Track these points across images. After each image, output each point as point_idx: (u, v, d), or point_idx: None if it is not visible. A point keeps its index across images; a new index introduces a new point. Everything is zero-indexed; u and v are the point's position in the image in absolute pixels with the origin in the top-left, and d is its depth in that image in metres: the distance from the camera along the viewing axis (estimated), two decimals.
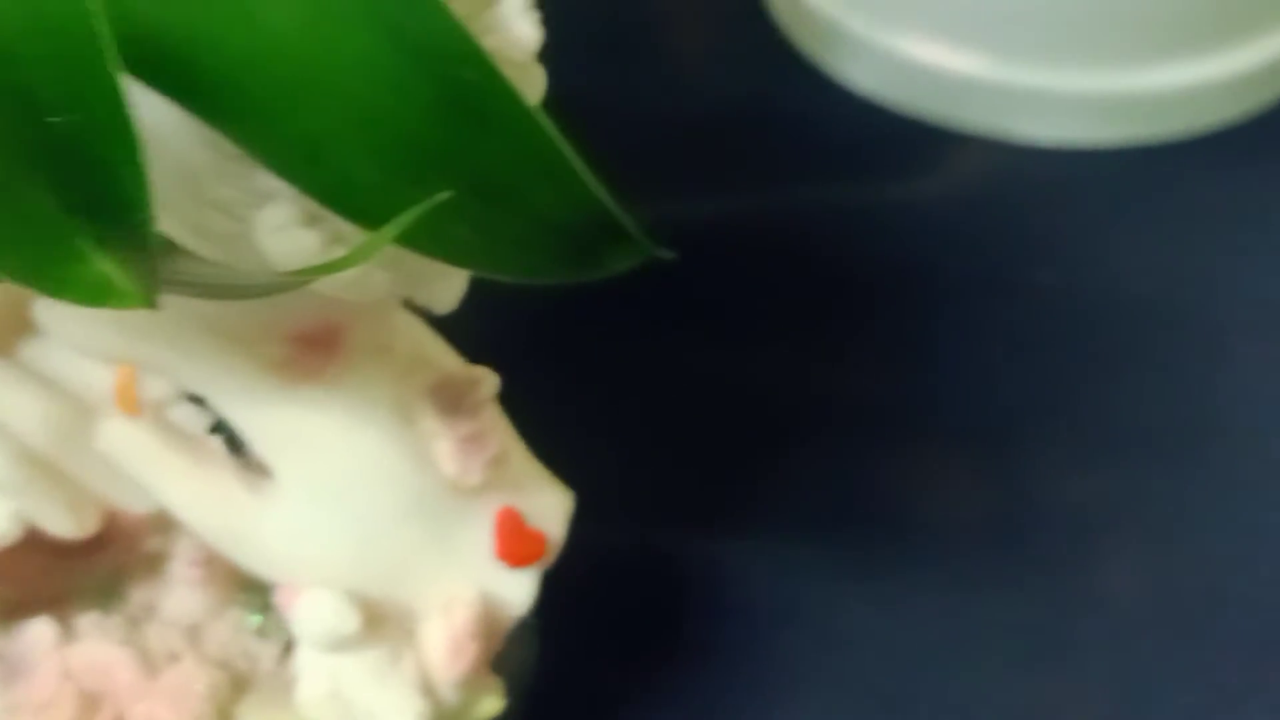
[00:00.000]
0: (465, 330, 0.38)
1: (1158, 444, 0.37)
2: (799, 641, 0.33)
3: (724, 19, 0.49)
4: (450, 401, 0.26)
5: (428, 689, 0.26)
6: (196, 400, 0.27)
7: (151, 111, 0.20)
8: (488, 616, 0.26)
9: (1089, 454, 0.36)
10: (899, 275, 0.41)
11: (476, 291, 0.26)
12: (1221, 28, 0.43)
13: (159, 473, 0.26)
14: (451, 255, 0.24)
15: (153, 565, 0.29)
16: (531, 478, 0.28)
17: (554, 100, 0.45)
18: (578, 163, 0.24)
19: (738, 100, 0.46)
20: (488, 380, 0.27)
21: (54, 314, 0.25)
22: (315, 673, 0.27)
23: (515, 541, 0.27)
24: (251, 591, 0.28)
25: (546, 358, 0.38)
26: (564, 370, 0.38)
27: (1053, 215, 0.42)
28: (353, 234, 0.23)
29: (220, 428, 0.27)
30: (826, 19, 0.46)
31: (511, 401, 0.36)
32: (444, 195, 0.23)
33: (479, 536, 0.27)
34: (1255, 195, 0.42)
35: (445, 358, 0.27)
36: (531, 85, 0.25)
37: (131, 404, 0.26)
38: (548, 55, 0.51)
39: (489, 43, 0.24)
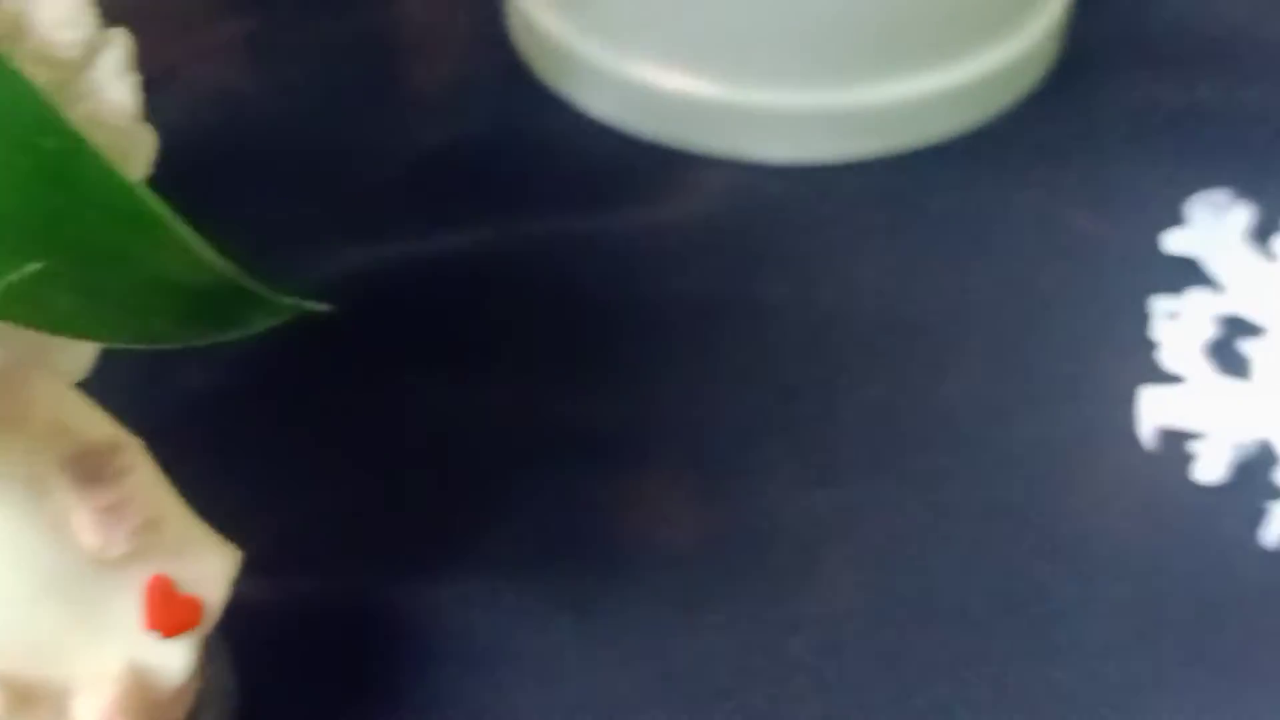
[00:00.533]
0: (175, 378, 0.38)
1: (882, 458, 0.37)
2: (513, 681, 0.32)
3: (464, 46, 0.49)
4: (89, 471, 0.26)
5: None
6: None
7: None
8: (141, 689, 0.26)
9: (815, 472, 0.37)
10: (637, 300, 0.41)
11: None
12: (945, 42, 0.44)
13: None
14: (57, 325, 0.24)
15: None
16: (190, 541, 0.27)
17: (274, 137, 0.46)
18: (182, 227, 0.24)
19: (477, 129, 0.46)
20: (129, 447, 0.26)
21: None
22: None
23: (165, 611, 0.26)
24: None
25: (268, 402, 0.38)
26: (284, 413, 0.38)
27: (787, 233, 0.43)
28: None
29: None
30: (561, 45, 0.46)
31: (219, 449, 0.36)
32: (34, 267, 0.23)
33: (129, 607, 0.26)
34: (982, 205, 0.43)
35: (92, 425, 0.27)
36: (137, 148, 0.25)
37: None
38: (270, 89, 0.51)
39: (82, 109, 0.23)
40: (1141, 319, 0.40)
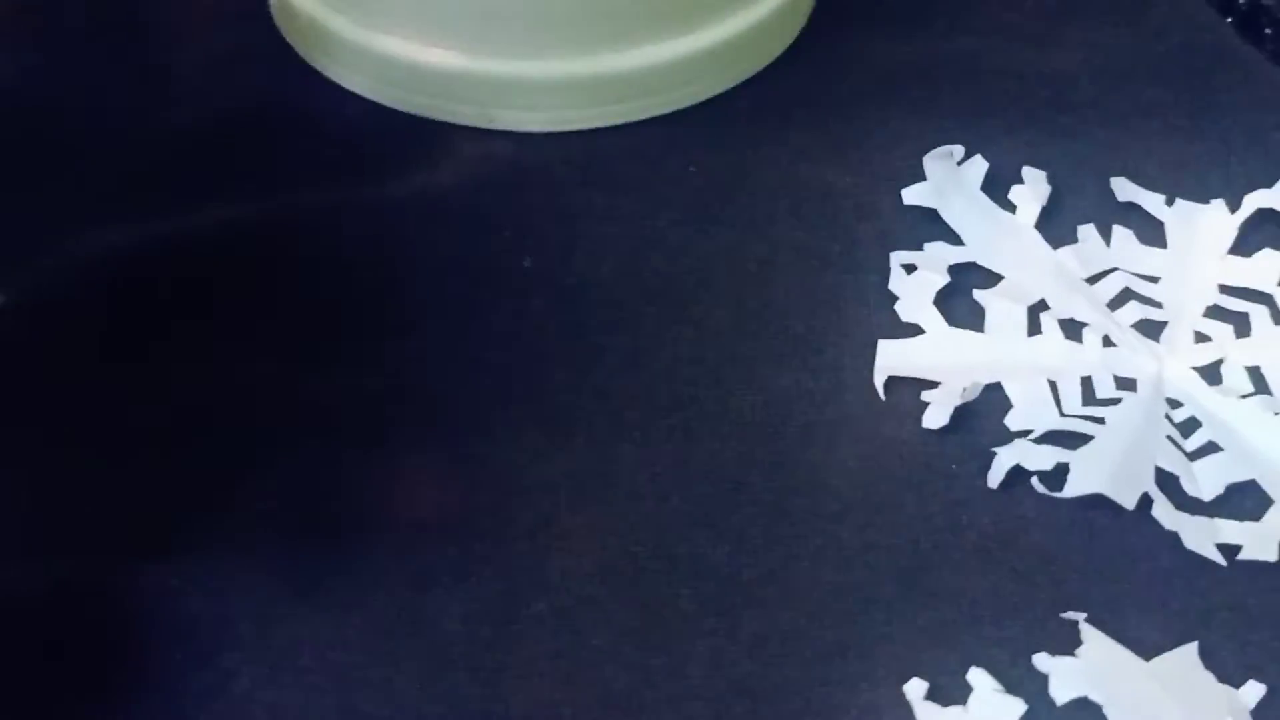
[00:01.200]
0: None
1: (626, 420, 0.38)
2: (236, 665, 0.32)
3: (225, 24, 0.48)
4: None
5: None
6: None
7: None
8: None
9: (559, 438, 0.37)
10: (394, 272, 0.41)
11: None
12: (693, 6, 0.44)
13: None
14: None
15: None
16: None
17: (27, 119, 0.45)
18: None
19: (236, 106, 0.45)
20: None
21: None
22: None
23: None
24: None
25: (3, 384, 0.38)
26: (19, 396, 0.37)
27: (541, 200, 0.43)
28: None
29: None
30: (315, 22, 0.45)
31: None
32: None
33: None
34: (732, 165, 0.44)
35: None
36: None
37: None
38: (23, 71, 0.50)
39: None
40: (884, 272, 0.41)
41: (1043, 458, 0.36)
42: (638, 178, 0.44)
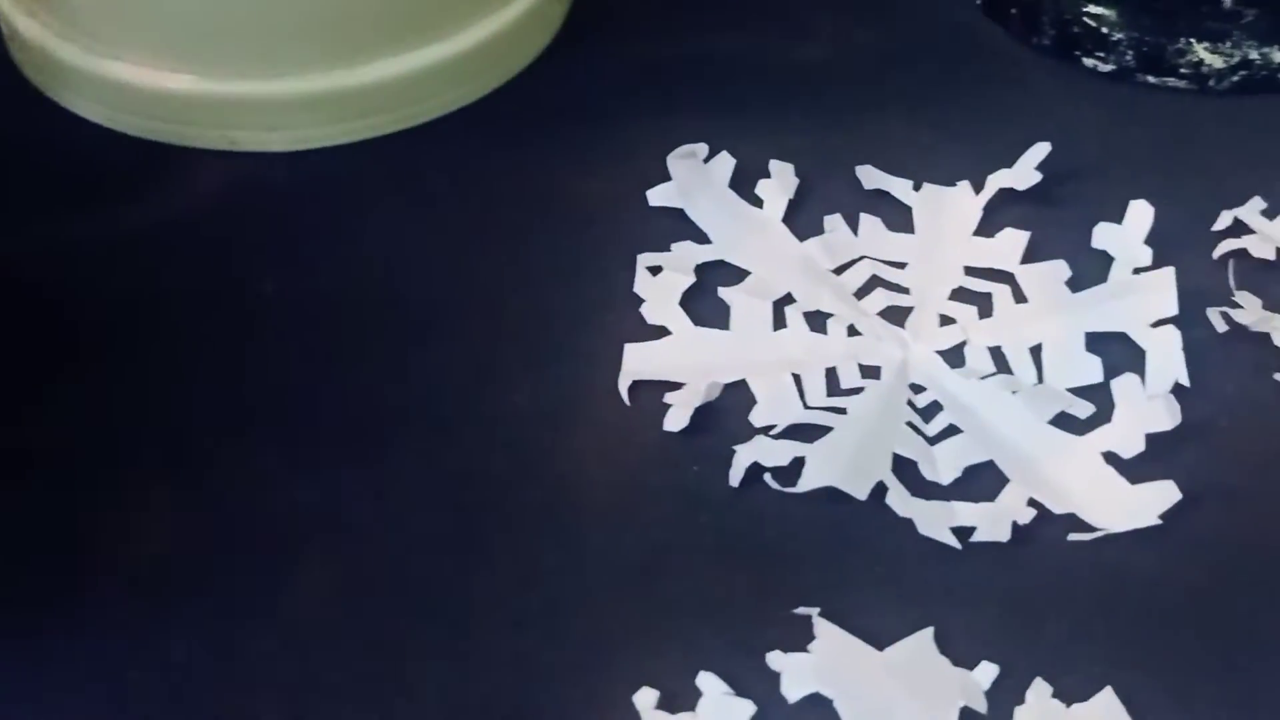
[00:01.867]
0: None
1: (370, 442, 0.37)
2: None
3: None
4: None
5: None
6: None
7: None
8: None
9: (299, 465, 0.36)
10: (131, 301, 0.40)
11: None
12: (437, 16, 0.44)
13: None
14: None
15: None
16: None
17: None
18: None
19: None
20: None
21: None
22: None
23: None
24: None
25: None
26: None
27: (287, 221, 0.42)
28: None
29: None
30: (46, 50, 0.44)
31: None
32: None
33: None
34: (483, 174, 0.43)
35: None
36: None
37: None
38: None
39: None
40: (633, 276, 0.40)
41: (780, 453, 0.35)
42: (386, 193, 0.43)
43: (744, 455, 0.36)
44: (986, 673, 0.32)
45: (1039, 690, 0.31)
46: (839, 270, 0.41)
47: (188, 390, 0.38)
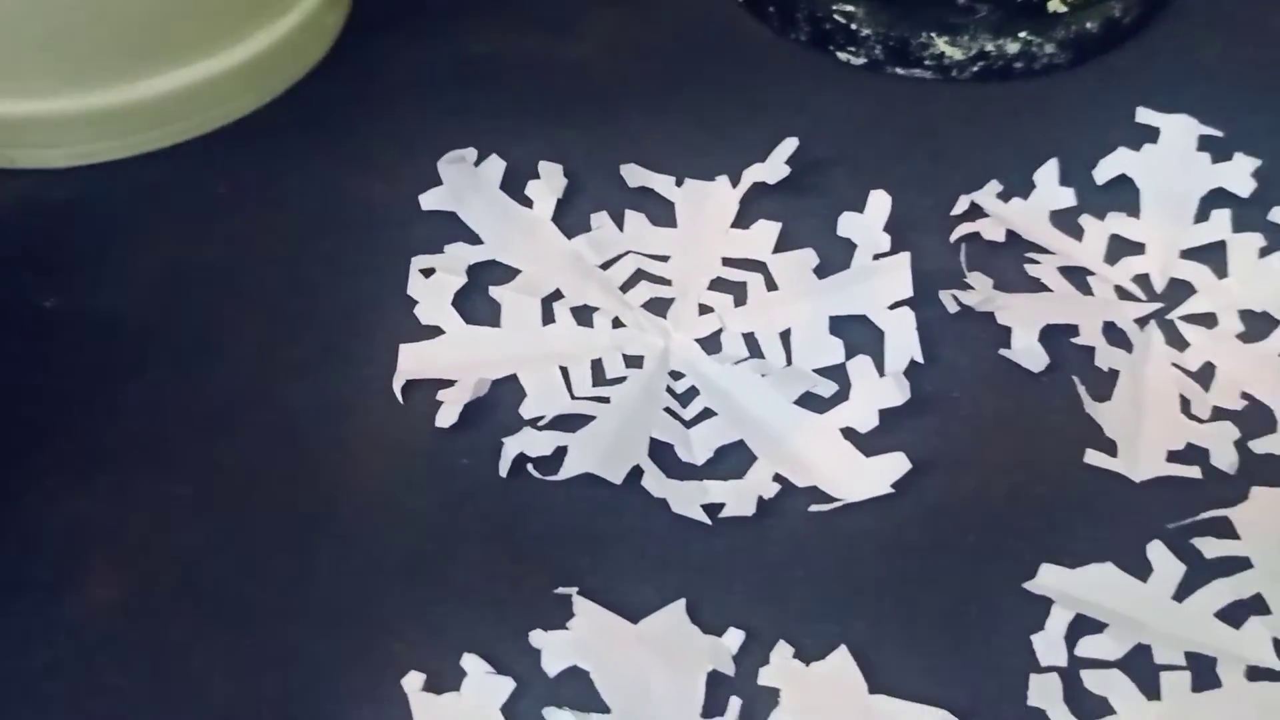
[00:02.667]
0: None
1: (153, 453, 0.38)
2: None
3: None
4: None
5: None
6: None
7: None
8: None
9: (83, 478, 0.38)
10: None
11: None
12: (209, 29, 0.45)
13: None
14: None
15: None
16: None
17: None
18: None
19: None
20: None
21: None
22: None
23: None
24: None
25: None
26: None
27: (69, 237, 0.43)
28: None
29: None
30: None
31: None
32: None
33: None
34: (265, 183, 0.44)
35: None
36: None
37: None
38: None
39: None
40: (406, 278, 0.42)
41: (544, 444, 0.38)
42: (169, 204, 0.44)
43: (511, 446, 0.38)
44: (734, 638, 0.35)
45: (781, 651, 0.34)
46: (605, 265, 0.43)
47: None
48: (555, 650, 0.34)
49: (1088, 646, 0.34)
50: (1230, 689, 0.33)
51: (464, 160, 0.44)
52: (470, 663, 0.33)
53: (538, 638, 0.34)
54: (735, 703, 0.33)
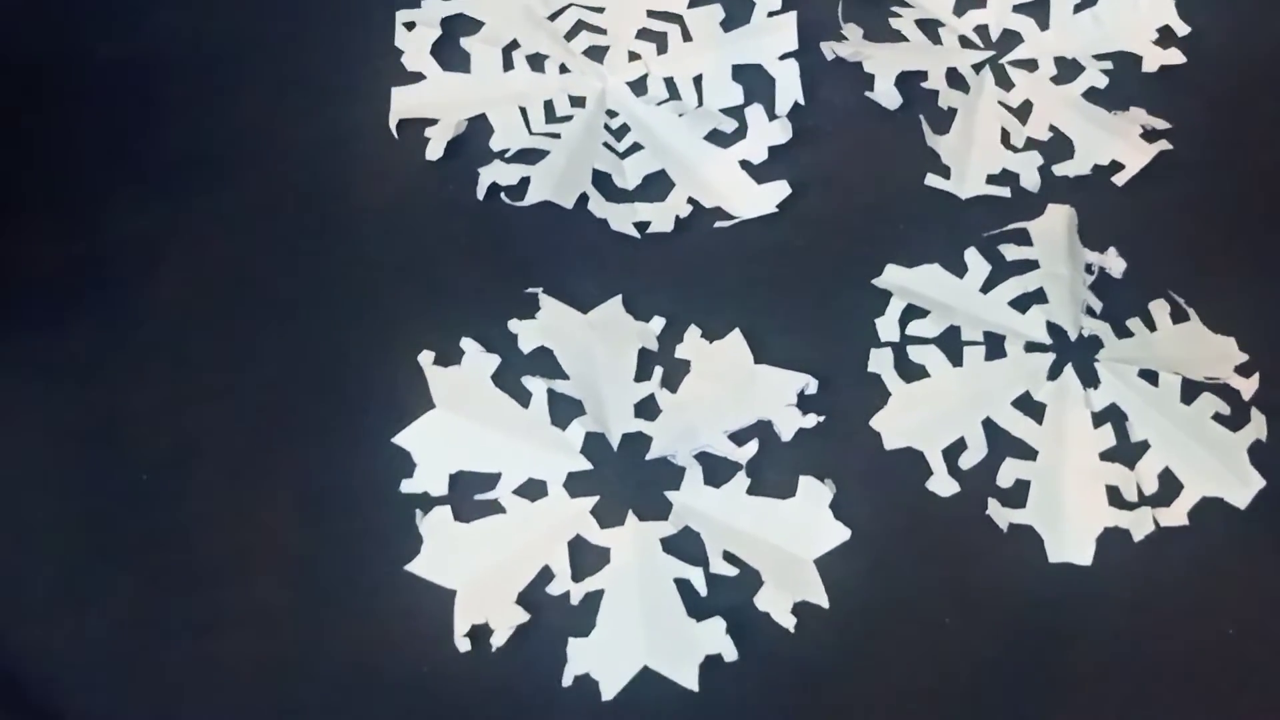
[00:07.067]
0: None
1: (189, 188, 0.49)
2: None
3: None
4: None
5: None
6: None
7: None
8: None
9: (139, 195, 0.48)
10: None
11: None
12: None
13: None
14: None
15: None
16: None
17: None
18: None
19: None
20: None
21: None
22: None
23: None
24: None
25: None
26: None
27: None
28: None
29: None
30: None
31: None
32: None
33: None
34: None
35: None
36: None
37: None
38: None
39: None
40: (391, 28, 0.52)
41: (511, 174, 0.49)
42: None
43: (485, 175, 0.49)
44: (657, 323, 0.47)
45: (692, 333, 0.46)
46: (553, 17, 0.52)
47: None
48: (527, 334, 0.46)
49: (915, 327, 0.47)
50: (1012, 359, 0.46)
51: None
52: (467, 344, 0.45)
53: (514, 325, 0.46)
54: (658, 370, 0.46)
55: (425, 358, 0.45)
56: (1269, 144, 0.51)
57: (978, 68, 0.52)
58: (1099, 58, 0.53)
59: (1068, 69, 0.53)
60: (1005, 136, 0.51)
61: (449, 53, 0.51)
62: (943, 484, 0.44)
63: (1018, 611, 0.43)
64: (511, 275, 0.47)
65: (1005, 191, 0.50)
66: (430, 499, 0.43)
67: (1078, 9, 0.54)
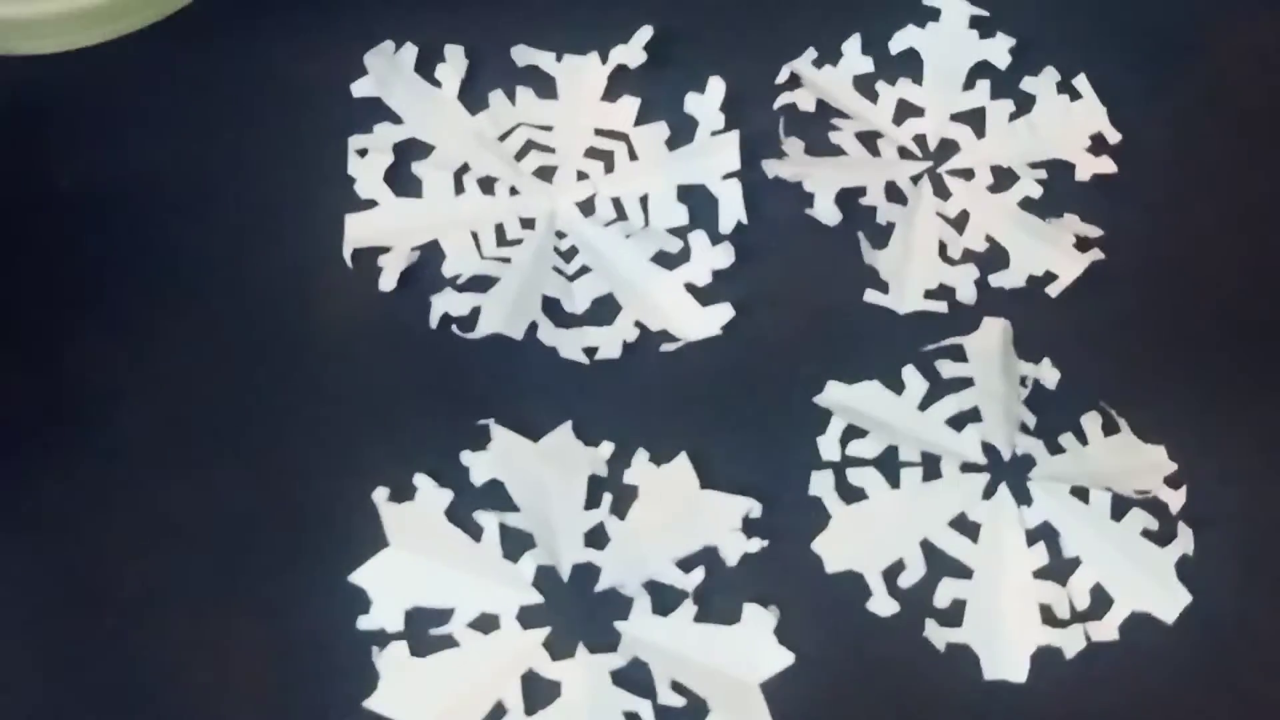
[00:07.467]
0: None
1: (145, 313, 0.50)
2: None
3: None
4: None
5: None
6: None
7: None
8: None
9: (105, 329, 0.50)
10: None
11: None
12: None
13: None
14: None
15: None
16: None
17: None
18: None
19: None
20: None
21: None
22: None
23: None
24: None
25: None
26: None
27: (69, 119, 0.53)
28: None
29: None
30: None
31: None
32: None
33: None
34: (213, 69, 0.54)
35: None
36: None
37: None
38: None
39: None
40: (344, 156, 0.53)
41: (462, 304, 0.50)
42: (117, 96, 0.54)
43: (437, 305, 0.50)
44: (606, 448, 0.48)
45: (640, 457, 0.48)
46: (503, 137, 0.54)
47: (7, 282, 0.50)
48: (479, 466, 0.47)
49: (854, 448, 0.49)
50: (948, 479, 0.48)
51: (385, 52, 0.54)
52: (420, 480, 0.47)
53: (466, 457, 0.48)
54: (608, 497, 0.48)
55: (380, 495, 0.47)
56: (1201, 250, 0.53)
57: (916, 179, 0.54)
58: (1034, 166, 0.54)
59: (1004, 177, 0.54)
60: (943, 248, 0.53)
61: (403, 178, 0.53)
62: (883, 604, 0.46)
63: None
64: (464, 404, 0.49)
65: (943, 306, 0.51)
66: (386, 635, 0.45)
67: (1013, 117, 0.55)
